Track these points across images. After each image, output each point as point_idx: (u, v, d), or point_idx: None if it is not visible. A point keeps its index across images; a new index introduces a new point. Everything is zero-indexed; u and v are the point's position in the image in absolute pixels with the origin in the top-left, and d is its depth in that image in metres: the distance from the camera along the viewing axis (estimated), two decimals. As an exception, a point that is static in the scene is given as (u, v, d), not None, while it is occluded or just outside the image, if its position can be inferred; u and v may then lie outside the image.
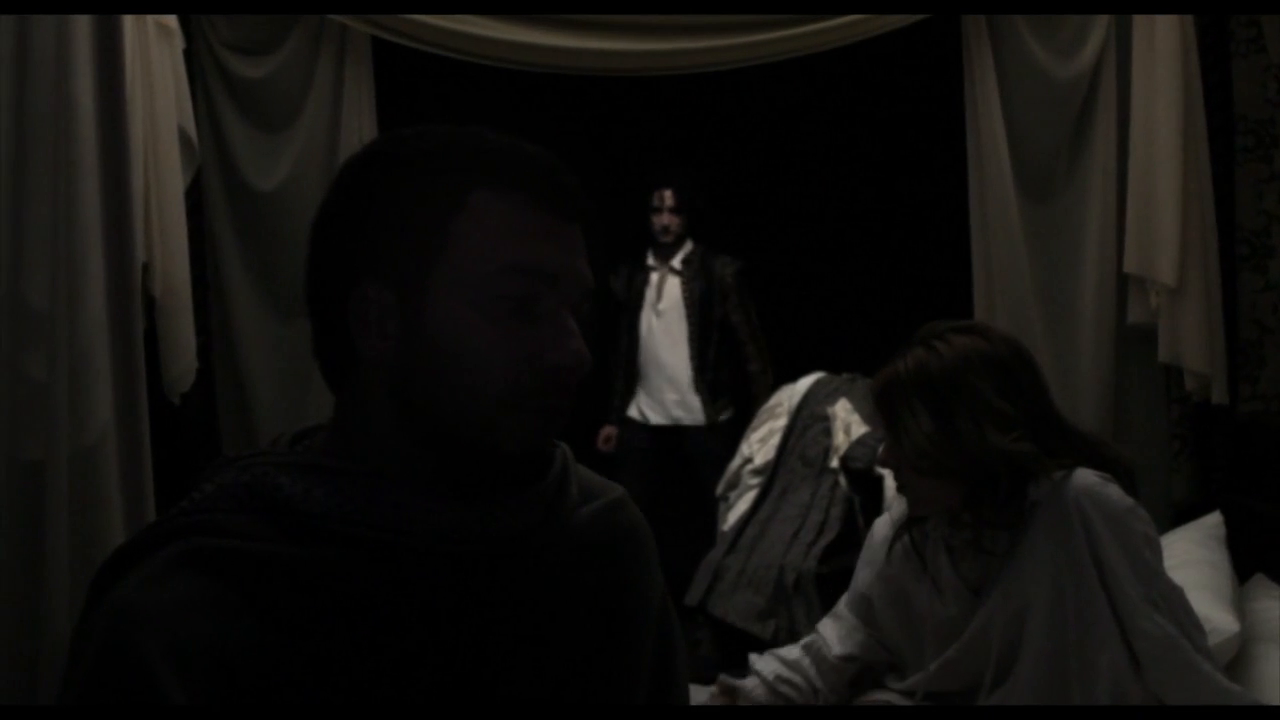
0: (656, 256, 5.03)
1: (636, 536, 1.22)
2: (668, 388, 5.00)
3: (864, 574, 2.37)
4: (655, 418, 5.02)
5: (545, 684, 1.07)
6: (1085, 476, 2.03)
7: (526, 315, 1.01)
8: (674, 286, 4.98)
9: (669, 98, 5.28)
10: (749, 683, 2.42)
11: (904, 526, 2.25)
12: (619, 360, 5.08)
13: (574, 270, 1.04)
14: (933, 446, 2.06)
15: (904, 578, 2.25)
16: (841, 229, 5.77)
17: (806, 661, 2.42)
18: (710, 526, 4.81)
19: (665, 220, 4.94)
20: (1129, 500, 2.04)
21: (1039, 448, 2.06)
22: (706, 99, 5.38)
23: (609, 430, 5.14)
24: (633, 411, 5.07)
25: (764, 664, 2.46)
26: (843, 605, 2.42)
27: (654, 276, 5.01)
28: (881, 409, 2.17)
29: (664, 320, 4.97)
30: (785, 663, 2.43)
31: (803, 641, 2.48)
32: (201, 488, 1.04)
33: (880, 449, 2.28)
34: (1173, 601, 2.01)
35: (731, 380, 5.05)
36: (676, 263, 5.00)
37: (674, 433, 5.02)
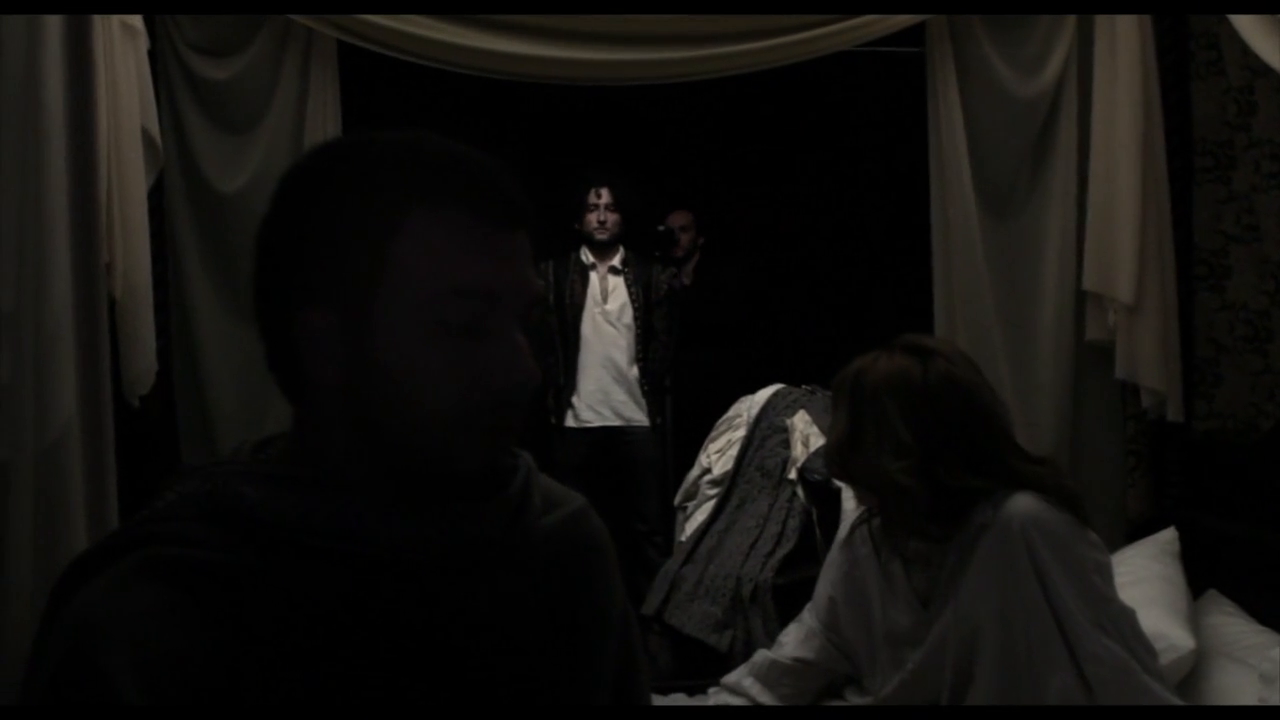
0: (594, 254, 5.06)
1: (598, 546, 1.23)
2: (617, 388, 5.01)
3: (830, 574, 2.38)
4: (598, 420, 5.01)
5: (507, 693, 1.07)
6: (1026, 502, 2.03)
7: (473, 334, 1.00)
8: (619, 286, 5.01)
9: (637, 105, 5.30)
10: None
11: (864, 515, 2.29)
12: (547, 364, 5.01)
13: (519, 282, 1.03)
14: (839, 450, 2.16)
15: (865, 577, 2.27)
16: (805, 242, 5.80)
17: (748, 681, 2.44)
18: (645, 525, 4.85)
19: (601, 215, 4.99)
20: (1074, 525, 2.04)
21: (930, 483, 2.08)
22: (674, 108, 5.40)
23: None
24: (569, 421, 5.04)
25: (714, 698, 2.49)
26: (806, 610, 2.44)
27: (594, 276, 5.02)
28: (833, 399, 2.24)
29: (613, 320, 4.99)
30: (728, 688, 2.46)
31: (748, 662, 2.50)
32: (163, 496, 1.04)
33: None
34: (1122, 625, 2.02)
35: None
36: (617, 262, 5.03)
37: (616, 434, 5.04)
